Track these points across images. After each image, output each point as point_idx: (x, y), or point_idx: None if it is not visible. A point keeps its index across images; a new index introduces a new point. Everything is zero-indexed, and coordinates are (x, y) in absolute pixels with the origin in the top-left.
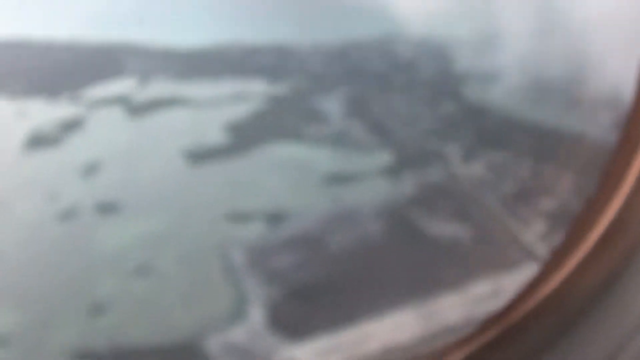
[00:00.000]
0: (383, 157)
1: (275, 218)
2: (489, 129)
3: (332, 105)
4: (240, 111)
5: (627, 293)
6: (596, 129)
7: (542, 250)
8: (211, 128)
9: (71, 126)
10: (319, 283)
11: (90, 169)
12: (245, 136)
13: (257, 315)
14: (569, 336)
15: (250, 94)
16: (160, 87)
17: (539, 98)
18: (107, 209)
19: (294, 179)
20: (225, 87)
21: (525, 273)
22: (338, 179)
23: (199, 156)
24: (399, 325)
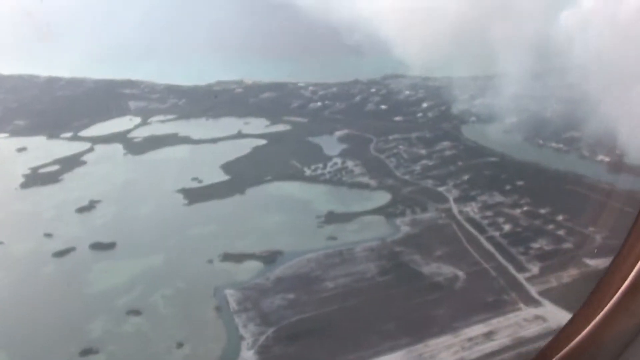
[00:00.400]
0: (380, 197)
1: (269, 258)
2: (485, 169)
3: (332, 144)
4: (240, 149)
5: None
6: (592, 170)
7: (536, 292)
8: (210, 166)
9: (71, 163)
10: (312, 324)
11: (88, 207)
12: (243, 175)
13: (249, 356)
14: None
15: (249, 133)
16: (161, 125)
17: (535, 137)
18: (102, 247)
19: (290, 218)
20: (226, 125)
21: (520, 315)
22: (334, 218)
23: (196, 194)
24: None
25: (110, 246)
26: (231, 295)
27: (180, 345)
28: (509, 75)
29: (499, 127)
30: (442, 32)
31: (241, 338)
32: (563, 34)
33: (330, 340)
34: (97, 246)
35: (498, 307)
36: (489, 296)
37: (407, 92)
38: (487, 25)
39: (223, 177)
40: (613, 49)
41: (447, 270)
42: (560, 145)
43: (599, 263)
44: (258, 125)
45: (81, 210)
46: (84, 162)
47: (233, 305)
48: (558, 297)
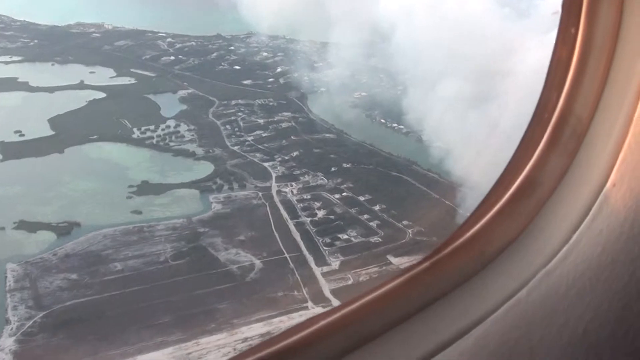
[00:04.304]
0: (202, 168)
1: (64, 229)
2: (317, 147)
3: (172, 104)
4: (75, 101)
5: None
6: (426, 157)
7: (329, 290)
8: (37, 119)
9: None
10: (84, 311)
11: None
12: (68, 131)
13: (7, 344)
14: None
15: (90, 84)
16: (3, 67)
17: (378, 115)
18: None
19: (101, 185)
20: (70, 72)
21: (305, 315)
22: (146, 189)
23: (14, 149)
24: None
25: None
26: (12, 270)
27: None
28: (372, 46)
29: (347, 100)
30: None
31: (6, 322)
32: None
33: (98, 332)
34: None
35: (285, 304)
36: (280, 291)
37: (265, 54)
38: None
39: (47, 131)
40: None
41: (245, 258)
42: (402, 127)
43: (402, 262)
44: (104, 75)
45: None
46: None
47: (10, 282)
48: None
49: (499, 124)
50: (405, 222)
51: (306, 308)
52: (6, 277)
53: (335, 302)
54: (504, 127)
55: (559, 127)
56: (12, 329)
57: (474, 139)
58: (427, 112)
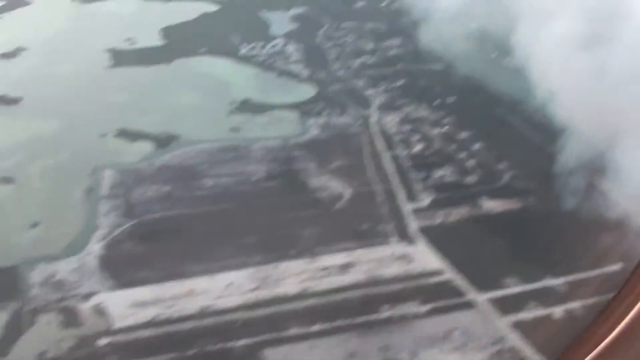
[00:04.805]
0: (305, 90)
1: (163, 141)
2: (423, 78)
3: (282, 22)
4: (189, 12)
5: None
6: (536, 98)
7: (415, 228)
8: (150, 28)
9: (15, 2)
10: (173, 224)
11: (12, 53)
12: (178, 42)
13: (95, 249)
14: None
15: None
16: None
17: (491, 49)
18: (7, 101)
19: (204, 99)
20: None
21: (386, 251)
22: (247, 107)
23: (123, 57)
24: (230, 286)
25: (15, 101)
26: (108, 177)
27: (34, 225)
28: None
29: (461, 31)
30: None
31: (96, 228)
32: None
33: (182, 246)
34: (2, 100)
35: (368, 236)
36: (364, 223)
37: None
38: None
39: (158, 41)
40: None
41: (335, 185)
42: (517, 63)
43: (495, 206)
44: None
45: (4, 56)
46: (28, 3)
47: (105, 189)
48: (435, 237)
49: (608, 70)
50: (503, 165)
51: (390, 243)
52: (102, 183)
53: (421, 240)
54: (613, 73)
55: None
56: (101, 235)
57: (583, 83)
58: (537, 50)
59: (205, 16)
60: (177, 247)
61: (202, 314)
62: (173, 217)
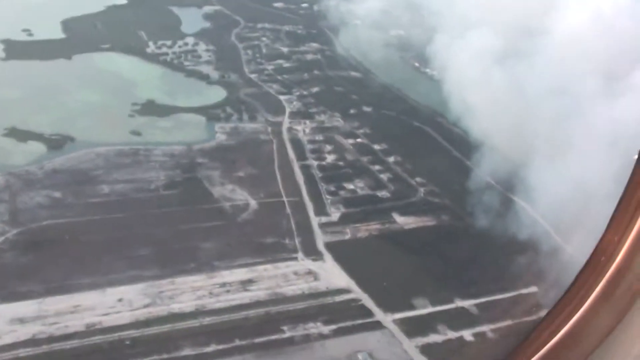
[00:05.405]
0: (214, 93)
1: (57, 143)
2: (340, 85)
3: (195, 19)
4: (96, 4)
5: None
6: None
7: (323, 243)
8: (52, 18)
9: None
10: (61, 233)
11: None
12: (81, 36)
13: None
14: None
15: None
16: None
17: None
18: None
19: (104, 99)
20: None
21: (293, 267)
22: (150, 109)
23: (18, 49)
24: (120, 302)
25: None
26: None
27: None
28: None
29: (381, 38)
30: None
31: None
32: None
33: (70, 257)
34: None
35: (273, 251)
36: (270, 237)
37: None
38: None
39: (59, 34)
40: None
41: (241, 196)
42: (435, 73)
43: (408, 222)
44: None
45: None
46: None
47: None
48: (343, 254)
49: (525, 85)
50: (418, 179)
51: (295, 259)
52: None
53: (328, 257)
54: (528, 89)
55: (614, 279)
56: None
57: (499, 97)
58: (453, 62)
59: (112, 9)
60: (64, 259)
61: (88, 331)
62: (62, 226)
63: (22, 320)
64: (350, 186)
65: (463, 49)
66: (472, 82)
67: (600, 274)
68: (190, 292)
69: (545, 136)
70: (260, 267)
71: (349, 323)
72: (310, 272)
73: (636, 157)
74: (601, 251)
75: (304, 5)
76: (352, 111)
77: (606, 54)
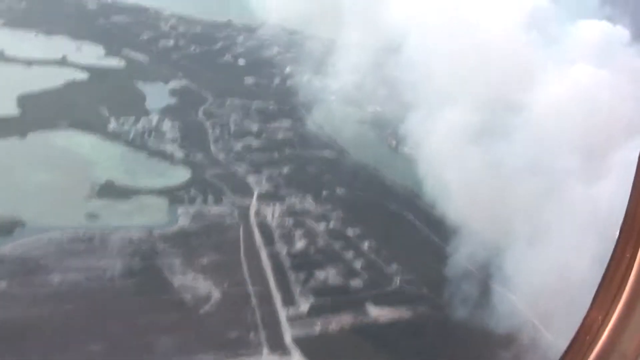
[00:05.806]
0: (178, 174)
1: (6, 228)
2: (311, 164)
3: (160, 96)
4: (52, 80)
5: None
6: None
7: (290, 337)
8: (5, 95)
9: None
10: (6, 329)
11: None
12: (37, 113)
13: None
14: None
15: (74, 62)
16: None
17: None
18: None
19: (60, 180)
20: (55, 45)
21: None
22: (109, 191)
23: None
24: None
25: None
26: None
27: None
28: (387, 55)
29: (357, 114)
30: None
31: None
32: None
33: (14, 355)
34: None
35: (236, 347)
36: (233, 330)
37: (277, 49)
38: None
39: (13, 110)
40: None
41: (203, 286)
42: (411, 151)
43: (382, 314)
44: (91, 53)
45: None
46: None
47: None
48: (313, 349)
49: (502, 165)
50: (394, 267)
51: (260, 354)
52: None
53: (296, 352)
54: (507, 170)
55: (600, 358)
56: None
57: (476, 177)
58: (429, 138)
59: (72, 85)
60: (8, 357)
61: None
62: (7, 321)
63: None
64: (321, 274)
65: (439, 126)
66: (448, 161)
67: (585, 353)
68: None
69: (524, 218)
70: None
71: None
72: None
73: (617, 234)
74: (586, 330)
75: (277, 80)
76: (324, 193)
77: (586, 130)
